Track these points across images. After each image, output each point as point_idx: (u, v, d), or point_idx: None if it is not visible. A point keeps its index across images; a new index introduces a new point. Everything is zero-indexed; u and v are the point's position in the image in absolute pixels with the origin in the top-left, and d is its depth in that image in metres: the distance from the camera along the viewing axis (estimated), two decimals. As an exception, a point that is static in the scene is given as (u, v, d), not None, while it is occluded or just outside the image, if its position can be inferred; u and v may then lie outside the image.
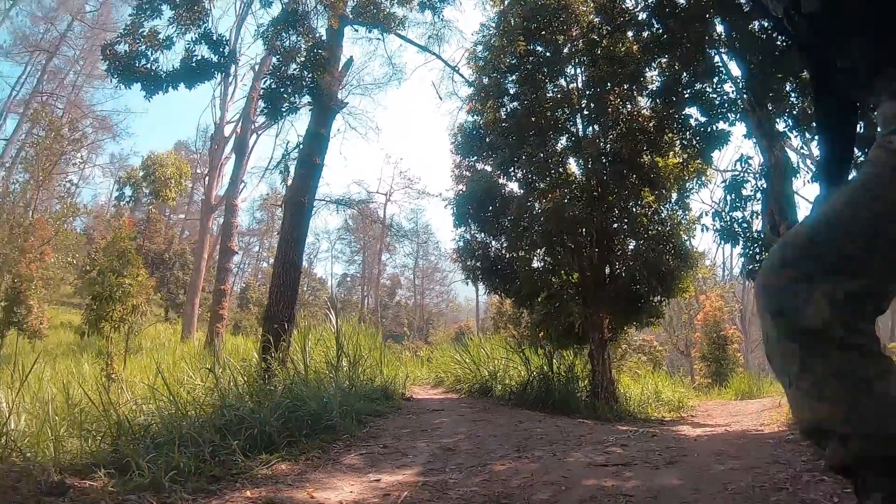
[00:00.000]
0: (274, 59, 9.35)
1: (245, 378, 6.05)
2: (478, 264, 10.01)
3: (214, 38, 8.31)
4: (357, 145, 47.36)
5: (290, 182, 9.26)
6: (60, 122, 21.61)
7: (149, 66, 8.06)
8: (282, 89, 8.39)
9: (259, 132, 25.40)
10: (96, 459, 3.79)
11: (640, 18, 9.29)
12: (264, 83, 9.04)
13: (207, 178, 26.52)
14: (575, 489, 3.46)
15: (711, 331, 17.97)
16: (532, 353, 8.98)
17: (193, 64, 8.13)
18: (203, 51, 8.23)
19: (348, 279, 54.84)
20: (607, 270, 9.52)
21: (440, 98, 19.00)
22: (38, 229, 18.29)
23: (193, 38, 8.24)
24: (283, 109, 8.60)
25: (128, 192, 29.75)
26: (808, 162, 13.51)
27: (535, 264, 9.81)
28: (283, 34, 8.64)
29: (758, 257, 7.88)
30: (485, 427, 5.90)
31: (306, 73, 8.49)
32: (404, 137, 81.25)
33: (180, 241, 37.91)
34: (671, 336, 22.84)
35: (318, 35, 9.02)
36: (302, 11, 8.83)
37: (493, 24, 10.67)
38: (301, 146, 9.56)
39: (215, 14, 26.60)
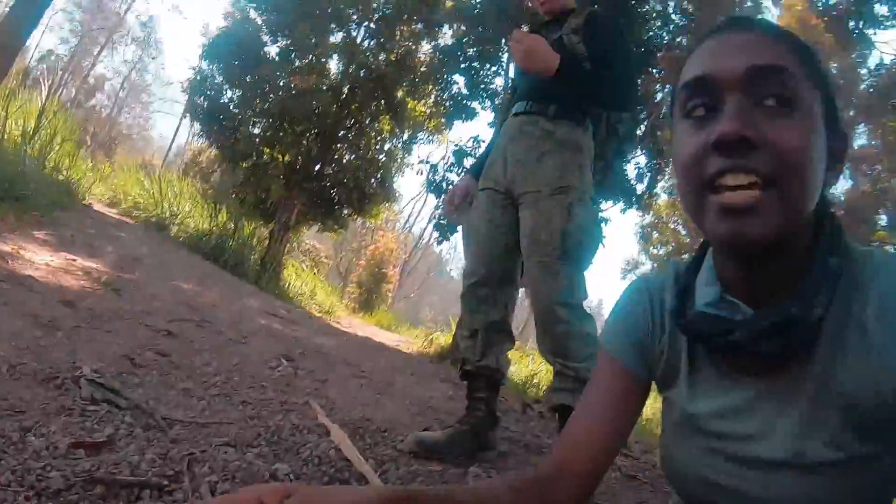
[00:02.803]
0: None
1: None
2: (205, 104, 9.95)
3: None
4: None
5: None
6: None
7: None
8: None
9: None
10: None
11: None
12: None
13: None
14: (253, 321, 4.27)
15: (376, 265, 20.05)
16: (221, 209, 9.26)
17: None
18: None
19: (53, 57, 46.50)
20: (317, 167, 10.38)
21: None
22: None
23: None
24: None
25: None
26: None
27: (256, 130, 10.12)
28: None
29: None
30: (168, 254, 6.33)
31: None
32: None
33: None
34: (337, 255, 24.71)
35: None
36: None
37: None
38: None
39: None
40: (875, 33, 10.36)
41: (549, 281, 2.11)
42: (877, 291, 0.73)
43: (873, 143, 13.87)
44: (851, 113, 13.37)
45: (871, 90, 11.86)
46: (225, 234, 8.80)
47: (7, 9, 8.93)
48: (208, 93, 10.05)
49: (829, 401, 0.76)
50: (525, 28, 2.43)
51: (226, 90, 10.26)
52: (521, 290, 2.47)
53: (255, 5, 10.40)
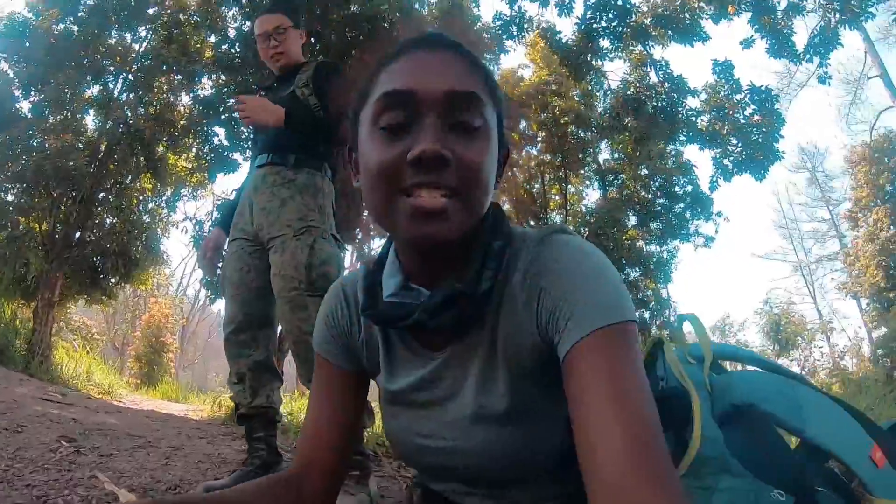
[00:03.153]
0: None
1: None
2: None
3: None
4: None
5: None
6: None
7: None
8: None
9: None
10: None
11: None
12: None
13: None
14: (26, 408, 4.09)
15: (152, 335, 19.07)
16: None
17: None
18: None
19: None
20: (77, 234, 9.87)
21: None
22: None
23: None
24: None
25: None
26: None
27: (10, 198, 9.54)
28: None
29: (219, 271, 9.43)
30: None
31: None
32: None
33: None
34: (110, 329, 23.18)
35: None
36: None
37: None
38: None
39: None
40: (602, 64, 12.52)
41: (298, 313, 2.35)
42: (522, 262, 0.90)
43: (615, 156, 16.50)
44: (593, 132, 15.86)
45: (607, 112, 14.16)
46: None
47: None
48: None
49: (496, 358, 0.92)
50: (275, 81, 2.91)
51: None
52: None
53: (5, 56, 9.73)
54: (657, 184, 15.19)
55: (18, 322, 8.98)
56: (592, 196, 17.89)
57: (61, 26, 10.01)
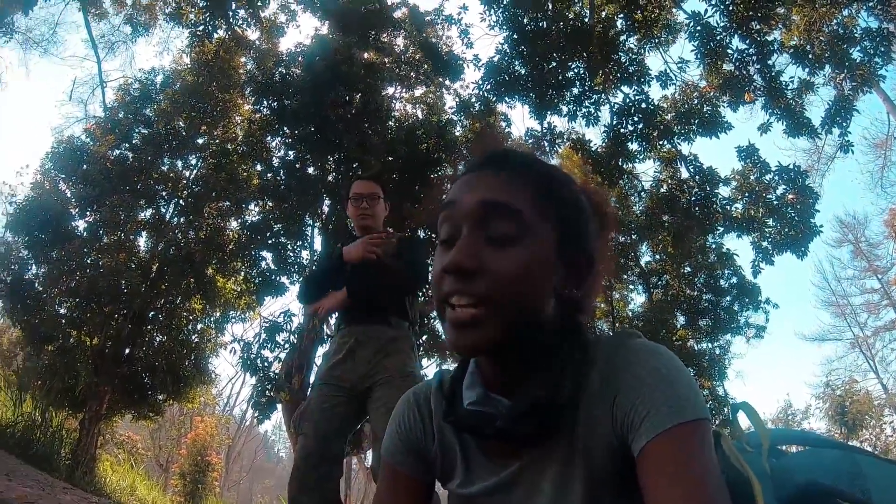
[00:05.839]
0: None
1: None
2: (8, 279, 9.92)
3: None
4: None
5: None
6: None
7: None
8: None
9: None
10: None
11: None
12: None
13: None
14: None
15: (197, 453, 19.37)
16: (27, 397, 9.03)
17: None
18: None
19: None
20: (127, 350, 10.43)
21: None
22: None
23: None
24: None
25: None
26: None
27: (63, 311, 10.14)
28: None
29: (268, 392, 9.79)
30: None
31: None
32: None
33: None
34: (154, 445, 23.54)
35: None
36: None
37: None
38: None
39: None
40: (634, 167, 13.02)
41: None
42: (598, 367, 0.94)
43: (656, 257, 16.74)
44: (632, 235, 16.19)
45: (643, 213, 14.55)
46: (31, 426, 8.49)
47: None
48: (12, 267, 10.02)
49: (574, 462, 0.94)
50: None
51: (31, 265, 10.27)
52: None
53: (64, 176, 10.67)
54: (701, 280, 15.08)
55: (65, 432, 9.33)
56: (638, 300, 17.85)
57: (117, 152, 11.12)
